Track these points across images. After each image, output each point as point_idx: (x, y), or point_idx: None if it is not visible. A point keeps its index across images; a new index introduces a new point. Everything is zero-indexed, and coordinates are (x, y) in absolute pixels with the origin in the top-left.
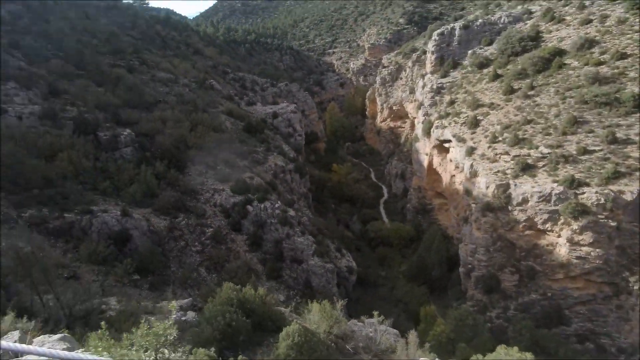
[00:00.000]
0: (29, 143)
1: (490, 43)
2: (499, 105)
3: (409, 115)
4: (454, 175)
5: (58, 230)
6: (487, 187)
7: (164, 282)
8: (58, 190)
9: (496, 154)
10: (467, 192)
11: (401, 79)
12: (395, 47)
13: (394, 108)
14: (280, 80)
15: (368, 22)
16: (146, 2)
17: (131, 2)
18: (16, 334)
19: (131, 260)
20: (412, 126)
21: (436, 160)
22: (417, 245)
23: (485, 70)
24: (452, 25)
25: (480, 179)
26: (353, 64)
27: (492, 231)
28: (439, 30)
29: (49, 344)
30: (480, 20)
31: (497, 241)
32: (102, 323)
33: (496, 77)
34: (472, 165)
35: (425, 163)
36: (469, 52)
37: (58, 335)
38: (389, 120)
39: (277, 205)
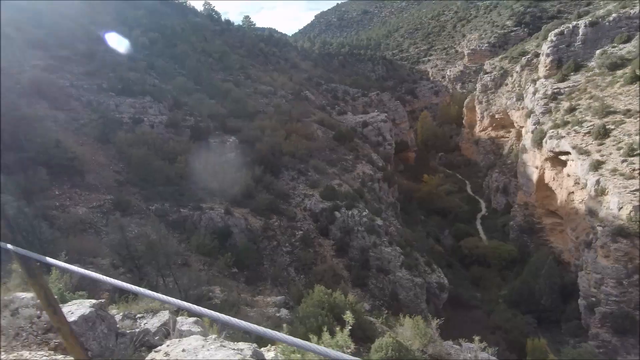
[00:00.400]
0: (157, 147)
1: (627, 40)
2: (638, 112)
3: (515, 124)
4: (572, 192)
5: (175, 222)
6: (620, 208)
7: (257, 277)
8: (176, 188)
9: (634, 170)
10: (591, 212)
11: (506, 85)
12: (500, 51)
13: (497, 116)
14: (371, 89)
15: (469, 27)
16: (253, 23)
17: (241, 24)
18: (166, 314)
19: (231, 254)
20: (518, 136)
21: (549, 174)
22: (520, 267)
23: (619, 72)
24: (574, 23)
25: (610, 198)
26: (450, 71)
27: (626, 261)
28: (557, 30)
29: (187, 325)
30: (614, 15)
31: (633, 273)
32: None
33: (635, 79)
34: (598, 182)
35: (535, 177)
36: (597, 52)
37: (192, 319)
38: (489, 129)
39: (364, 214)
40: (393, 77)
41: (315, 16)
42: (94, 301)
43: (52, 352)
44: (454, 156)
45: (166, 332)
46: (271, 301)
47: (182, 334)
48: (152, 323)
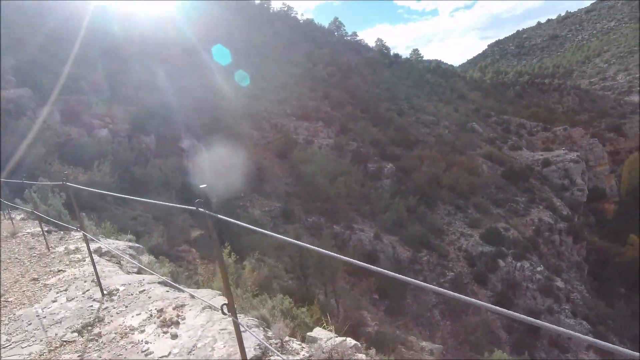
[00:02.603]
0: (321, 167)
1: None
2: None
3: None
4: None
5: (327, 237)
6: None
7: (398, 310)
8: (332, 206)
9: None
10: None
11: None
12: None
13: None
14: (556, 123)
15: None
16: (421, 56)
17: (409, 57)
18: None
19: (375, 279)
20: None
21: None
22: None
23: None
24: None
25: None
26: None
27: None
28: None
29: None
30: None
31: None
32: None
33: None
34: None
35: None
36: None
37: (353, 342)
38: None
39: (539, 269)
40: (589, 110)
41: (489, 45)
42: None
43: None
44: None
45: None
46: (427, 347)
47: None
48: None
